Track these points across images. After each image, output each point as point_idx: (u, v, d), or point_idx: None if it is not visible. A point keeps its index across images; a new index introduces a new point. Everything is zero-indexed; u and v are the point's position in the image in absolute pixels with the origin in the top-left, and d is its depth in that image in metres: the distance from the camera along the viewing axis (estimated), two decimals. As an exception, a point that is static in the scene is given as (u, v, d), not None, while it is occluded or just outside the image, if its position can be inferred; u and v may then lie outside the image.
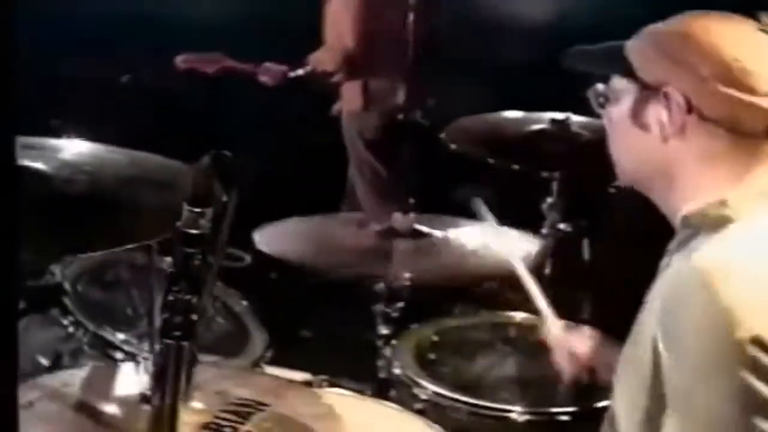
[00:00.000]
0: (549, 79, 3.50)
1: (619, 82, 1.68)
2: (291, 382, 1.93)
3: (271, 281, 2.61)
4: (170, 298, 1.39)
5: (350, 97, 3.94)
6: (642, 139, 1.65)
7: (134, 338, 2.22)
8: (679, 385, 1.47)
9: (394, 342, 2.51)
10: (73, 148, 2.04)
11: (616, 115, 1.69)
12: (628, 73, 1.65)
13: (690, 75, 1.57)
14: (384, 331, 2.58)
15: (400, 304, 2.59)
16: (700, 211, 1.58)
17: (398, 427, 2.09)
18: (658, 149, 1.62)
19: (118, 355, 2.19)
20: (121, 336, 2.26)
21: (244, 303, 2.50)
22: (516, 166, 3.09)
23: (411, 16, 3.78)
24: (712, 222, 1.56)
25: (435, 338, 2.55)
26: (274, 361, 2.39)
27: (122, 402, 1.68)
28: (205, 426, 1.64)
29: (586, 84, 1.74)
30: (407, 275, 2.53)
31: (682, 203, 1.61)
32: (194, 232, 1.37)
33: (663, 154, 1.62)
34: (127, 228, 1.76)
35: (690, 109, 1.57)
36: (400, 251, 2.58)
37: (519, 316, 2.69)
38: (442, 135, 3.15)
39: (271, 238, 2.53)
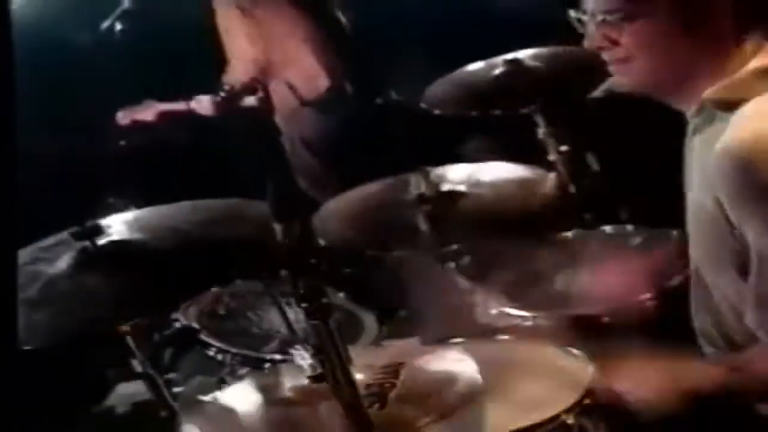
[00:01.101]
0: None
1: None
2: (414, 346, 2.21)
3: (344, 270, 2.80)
4: (301, 291, 1.62)
5: (282, 100, 3.91)
6: (680, 42, 1.82)
7: (272, 351, 2.42)
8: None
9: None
10: (144, 215, 2.19)
11: (648, 28, 1.83)
12: None
13: None
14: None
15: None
16: (717, 95, 1.81)
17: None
18: (686, 46, 1.82)
19: (268, 365, 2.37)
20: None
21: (341, 294, 2.69)
22: (498, 111, 3.19)
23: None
24: (731, 103, 1.79)
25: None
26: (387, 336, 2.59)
27: (295, 390, 1.90)
28: (369, 385, 1.88)
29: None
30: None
31: (692, 91, 1.84)
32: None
33: (688, 51, 1.83)
34: (226, 263, 1.97)
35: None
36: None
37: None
38: (422, 105, 3.23)
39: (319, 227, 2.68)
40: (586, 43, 1.95)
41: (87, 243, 1.89)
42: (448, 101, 3.25)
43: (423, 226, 2.72)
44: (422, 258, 2.66)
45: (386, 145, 3.69)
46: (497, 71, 3.24)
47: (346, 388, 1.66)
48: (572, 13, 1.96)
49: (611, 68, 1.93)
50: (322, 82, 3.90)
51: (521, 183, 2.92)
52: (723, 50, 1.81)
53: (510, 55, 3.30)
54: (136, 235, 1.98)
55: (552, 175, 2.93)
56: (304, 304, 1.62)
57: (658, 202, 2.37)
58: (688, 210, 1.96)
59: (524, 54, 3.31)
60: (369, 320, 2.60)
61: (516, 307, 2.49)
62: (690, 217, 1.96)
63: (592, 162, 3.29)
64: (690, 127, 1.90)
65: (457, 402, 1.91)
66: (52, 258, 1.86)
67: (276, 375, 1.99)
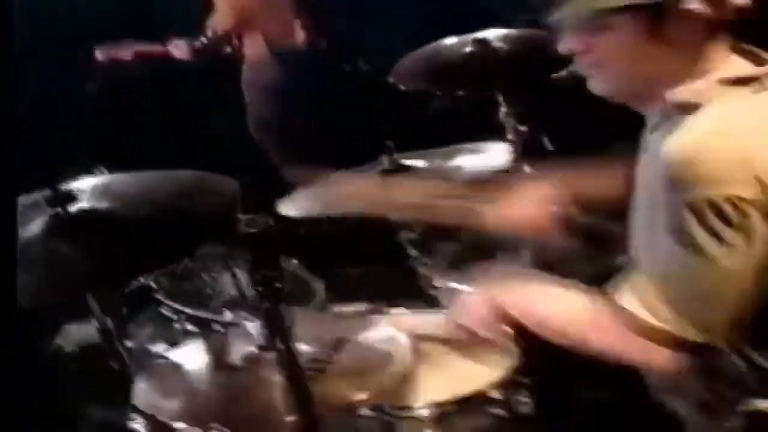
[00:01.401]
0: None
1: (607, 17, 1.90)
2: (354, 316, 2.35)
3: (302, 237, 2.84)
4: (257, 276, 1.77)
5: (253, 49, 4.01)
6: (650, 52, 1.90)
7: (225, 314, 2.51)
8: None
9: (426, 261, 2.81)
10: (115, 182, 2.21)
11: (620, 39, 1.91)
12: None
13: None
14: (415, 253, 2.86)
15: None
16: (676, 100, 1.91)
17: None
18: (655, 55, 1.91)
19: (218, 328, 2.45)
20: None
21: (294, 261, 2.80)
22: (461, 92, 3.24)
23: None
24: (687, 107, 1.89)
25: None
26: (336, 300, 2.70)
27: (244, 358, 2.07)
28: (312, 360, 2.03)
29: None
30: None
31: (660, 96, 1.93)
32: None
33: (656, 59, 1.92)
34: (194, 236, 2.03)
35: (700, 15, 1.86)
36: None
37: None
38: (390, 79, 3.20)
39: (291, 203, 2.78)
40: (559, 47, 2.03)
41: (59, 209, 1.93)
42: (416, 77, 3.24)
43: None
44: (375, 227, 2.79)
45: (345, 111, 3.81)
46: (465, 50, 3.23)
47: (289, 361, 1.81)
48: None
49: (587, 74, 2.02)
50: (298, 37, 4.01)
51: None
52: (689, 60, 1.91)
53: (480, 34, 3.26)
54: (107, 204, 2.03)
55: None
56: (258, 288, 1.77)
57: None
58: (633, 205, 2.05)
59: (493, 34, 3.27)
60: (319, 288, 2.73)
61: (458, 281, 2.61)
62: (634, 213, 2.05)
63: (547, 143, 3.36)
64: (648, 124, 2.01)
65: (390, 380, 2.09)
66: (24, 221, 1.89)
67: (226, 339, 2.14)
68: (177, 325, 2.57)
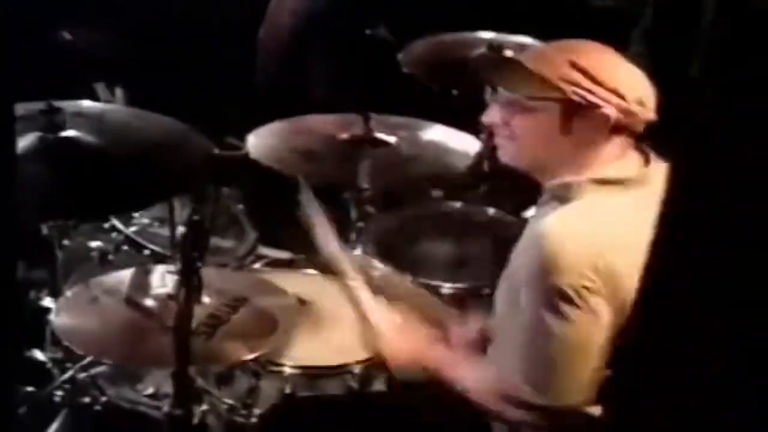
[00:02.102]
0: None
1: (533, 100, 2.12)
2: (268, 282, 2.61)
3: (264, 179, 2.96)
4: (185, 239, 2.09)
5: None
6: (556, 138, 2.12)
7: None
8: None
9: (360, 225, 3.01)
10: (112, 114, 2.39)
11: (536, 122, 2.13)
12: (548, 95, 2.09)
13: (616, 99, 2.09)
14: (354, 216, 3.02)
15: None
16: (557, 187, 2.15)
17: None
18: (560, 142, 2.13)
19: (146, 252, 2.75)
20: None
21: (240, 206, 3.05)
22: (455, 92, 3.26)
23: None
24: (564, 197, 2.14)
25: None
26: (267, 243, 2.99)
27: (157, 298, 2.36)
28: (210, 316, 2.35)
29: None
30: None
31: (551, 178, 2.19)
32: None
33: (560, 146, 2.13)
34: (167, 188, 2.26)
35: (608, 120, 2.09)
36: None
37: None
38: (400, 56, 3.31)
39: (258, 141, 2.91)
40: (483, 118, 2.26)
41: (47, 133, 2.13)
42: (420, 64, 3.32)
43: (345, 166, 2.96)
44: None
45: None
46: (478, 51, 3.28)
47: (183, 321, 2.13)
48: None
49: (497, 142, 2.25)
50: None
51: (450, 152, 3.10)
52: (586, 154, 2.14)
53: (495, 38, 3.36)
54: (93, 137, 2.21)
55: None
56: (179, 266, 2.10)
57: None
58: (504, 273, 2.27)
59: (509, 41, 3.34)
60: (251, 235, 2.99)
61: (384, 263, 2.81)
62: (501, 281, 2.28)
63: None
64: (541, 197, 2.25)
65: (277, 344, 2.42)
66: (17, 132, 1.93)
67: (147, 275, 2.39)
68: (112, 242, 2.77)
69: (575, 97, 2.09)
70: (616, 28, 3.60)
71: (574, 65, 2.10)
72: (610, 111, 2.10)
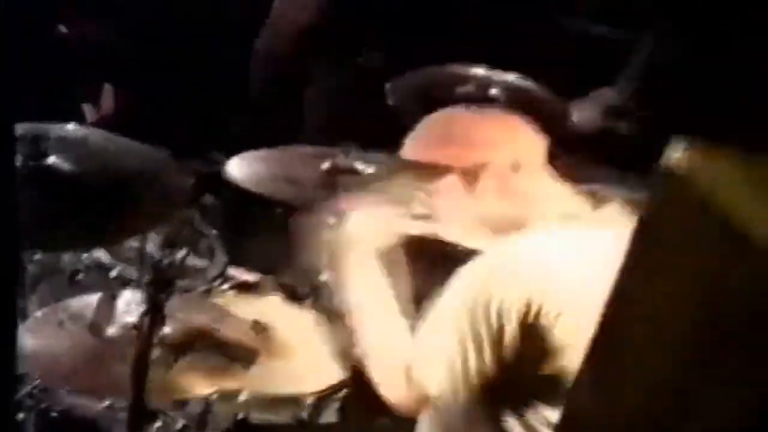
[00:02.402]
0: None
1: None
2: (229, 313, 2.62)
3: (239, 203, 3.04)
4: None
5: None
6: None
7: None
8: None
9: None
10: (94, 139, 2.40)
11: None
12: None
13: None
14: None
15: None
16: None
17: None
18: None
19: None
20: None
21: (214, 231, 3.09)
22: None
23: None
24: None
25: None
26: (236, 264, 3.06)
27: (121, 326, 2.38)
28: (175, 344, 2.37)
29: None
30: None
31: None
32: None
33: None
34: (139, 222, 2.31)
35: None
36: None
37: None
38: (387, 87, 3.31)
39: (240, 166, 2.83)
40: None
41: (28, 159, 2.17)
42: (405, 98, 3.32)
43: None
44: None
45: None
46: (464, 89, 3.32)
47: (142, 352, 2.19)
48: None
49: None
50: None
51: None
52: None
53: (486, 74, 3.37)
54: (72, 165, 2.24)
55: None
56: (147, 296, 2.17)
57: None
58: None
59: (498, 77, 3.36)
60: (221, 261, 3.06)
61: None
62: None
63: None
64: None
65: (237, 377, 2.40)
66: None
67: (112, 304, 2.41)
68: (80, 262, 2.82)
69: None
70: (611, 57, 3.73)
71: None
72: None
